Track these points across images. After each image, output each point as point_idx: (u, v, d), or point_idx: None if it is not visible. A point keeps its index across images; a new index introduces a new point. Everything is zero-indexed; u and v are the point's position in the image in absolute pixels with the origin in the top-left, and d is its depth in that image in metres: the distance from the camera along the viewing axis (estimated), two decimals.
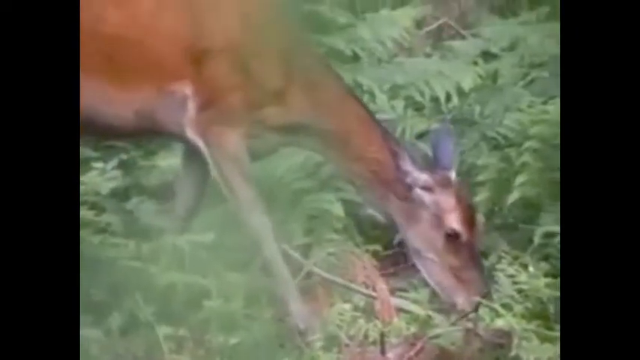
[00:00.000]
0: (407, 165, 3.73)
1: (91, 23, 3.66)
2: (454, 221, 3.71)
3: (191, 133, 3.75)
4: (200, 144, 3.75)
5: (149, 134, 3.87)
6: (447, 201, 3.73)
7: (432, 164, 3.82)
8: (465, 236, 3.71)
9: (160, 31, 3.70)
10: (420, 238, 3.74)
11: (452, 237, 3.71)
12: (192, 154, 3.81)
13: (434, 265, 3.73)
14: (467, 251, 3.71)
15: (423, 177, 3.73)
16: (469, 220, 3.73)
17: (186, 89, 3.72)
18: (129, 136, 3.89)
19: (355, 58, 4.91)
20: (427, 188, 3.74)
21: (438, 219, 3.72)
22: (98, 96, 3.70)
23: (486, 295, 3.58)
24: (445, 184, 3.75)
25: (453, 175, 3.78)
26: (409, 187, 3.75)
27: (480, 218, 3.81)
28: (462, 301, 3.68)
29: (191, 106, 3.73)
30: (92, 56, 3.67)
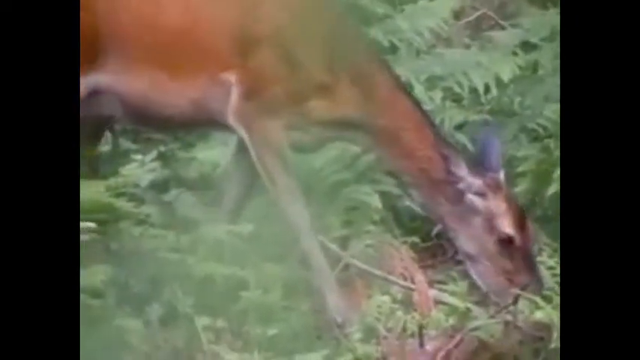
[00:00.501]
0: (461, 170, 3.70)
1: (151, 15, 3.69)
2: (507, 226, 3.69)
3: (234, 122, 3.75)
4: (243, 133, 3.76)
5: (202, 124, 3.88)
6: (499, 205, 3.70)
7: (475, 160, 3.78)
8: (518, 240, 3.68)
9: (211, 21, 3.72)
10: (473, 242, 3.72)
11: (505, 241, 3.69)
12: (243, 146, 3.81)
13: (487, 270, 3.71)
14: (520, 255, 3.68)
15: (477, 182, 3.70)
16: (521, 223, 3.70)
17: (232, 78, 3.73)
18: (182, 126, 3.91)
19: (393, 49, 4.89)
20: (480, 194, 3.71)
21: (491, 224, 3.70)
22: (153, 85, 3.74)
23: (506, 306, 3.54)
24: (496, 187, 3.71)
25: (501, 176, 3.75)
26: (461, 192, 3.71)
27: (530, 221, 3.75)
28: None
29: (235, 95, 3.74)
30: (151, 47, 3.70)
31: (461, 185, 3.71)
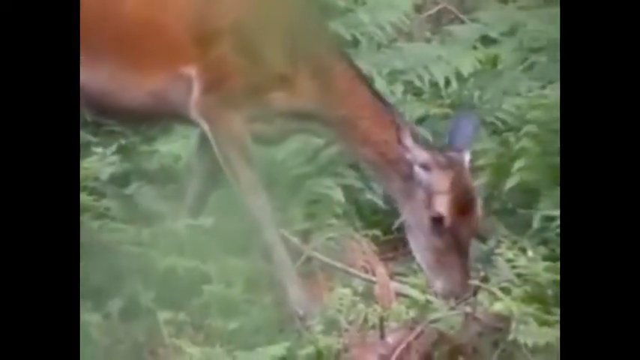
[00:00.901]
0: (407, 140, 3.69)
1: (111, 6, 3.68)
2: (441, 205, 3.67)
3: (196, 115, 3.75)
4: (205, 126, 3.76)
5: (163, 117, 3.88)
6: (441, 182, 3.69)
7: (438, 147, 3.78)
8: (449, 221, 3.67)
9: (170, 12, 3.71)
10: (413, 214, 3.73)
11: (437, 220, 3.68)
12: (205, 139, 3.80)
13: (420, 243, 3.72)
14: (449, 236, 3.67)
15: (423, 154, 3.70)
16: (460, 207, 3.67)
17: (192, 71, 3.73)
18: (143, 118, 3.90)
19: (355, 42, 4.91)
20: (425, 166, 3.71)
21: (430, 199, 3.70)
22: (113, 77, 3.73)
23: (466, 297, 3.55)
24: (446, 165, 3.70)
25: (465, 157, 3.74)
26: (410, 165, 3.72)
27: (479, 209, 3.72)
28: (439, 284, 3.67)
29: (196, 88, 3.74)
30: (110, 38, 3.69)
31: (408, 155, 3.71)
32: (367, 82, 3.89)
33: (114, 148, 4.34)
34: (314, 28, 3.84)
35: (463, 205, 3.69)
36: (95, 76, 3.71)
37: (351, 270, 3.91)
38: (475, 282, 3.57)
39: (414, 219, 3.74)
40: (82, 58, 3.54)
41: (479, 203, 3.73)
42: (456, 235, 3.68)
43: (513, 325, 3.35)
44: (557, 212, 3.95)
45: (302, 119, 3.80)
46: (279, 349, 3.41)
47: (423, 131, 4.47)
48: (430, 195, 3.70)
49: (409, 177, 3.73)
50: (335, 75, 3.78)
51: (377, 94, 3.83)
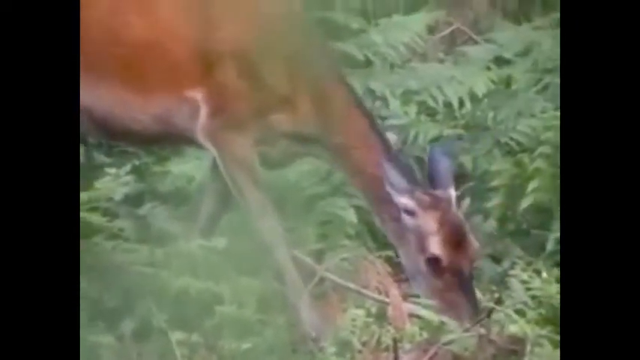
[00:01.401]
0: (387, 186, 3.67)
1: (116, 30, 3.69)
2: (435, 246, 3.64)
3: (203, 140, 3.76)
4: (212, 149, 3.77)
5: (171, 140, 3.88)
6: (429, 224, 3.65)
7: (430, 181, 3.76)
8: (446, 260, 3.64)
9: (176, 37, 3.72)
10: (408, 260, 3.71)
11: (433, 261, 3.65)
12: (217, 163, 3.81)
13: (421, 286, 3.70)
14: (450, 274, 3.64)
15: (403, 200, 3.66)
16: (453, 244, 3.64)
17: (198, 96, 3.74)
18: (151, 141, 3.91)
19: (368, 63, 4.91)
20: (409, 212, 3.68)
21: (422, 242, 3.66)
22: (118, 100, 3.73)
23: (480, 319, 3.52)
24: (430, 205, 3.66)
25: (451, 193, 3.70)
26: (399, 208, 3.70)
27: (473, 241, 3.67)
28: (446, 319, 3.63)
29: (203, 112, 3.75)
30: (115, 62, 3.69)
31: (395, 200, 3.69)
32: (366, 110, 3.86)
33: (128, 168, 4.34)
34: (316, 52, 3.83)
35: (455, 241, 3.66)
36: (101, 99, 3.72)
37: (364, 291, 3.90)
38: (489, 304, 3.55)
39: (409, 263, 3.72)
40: (88, 81, 3.57)
41: (472, 236, 3.69)
42: (456, 272, 3.65)
43: (528, 347, 3.34)
44: None
45: (305, 142, 3.80)
46: None
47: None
48: (421, 238, 3.67)
49: (399, 219, 3.70)
50: (334, 100, 3.77)
51: (374, 124, 3.80)
